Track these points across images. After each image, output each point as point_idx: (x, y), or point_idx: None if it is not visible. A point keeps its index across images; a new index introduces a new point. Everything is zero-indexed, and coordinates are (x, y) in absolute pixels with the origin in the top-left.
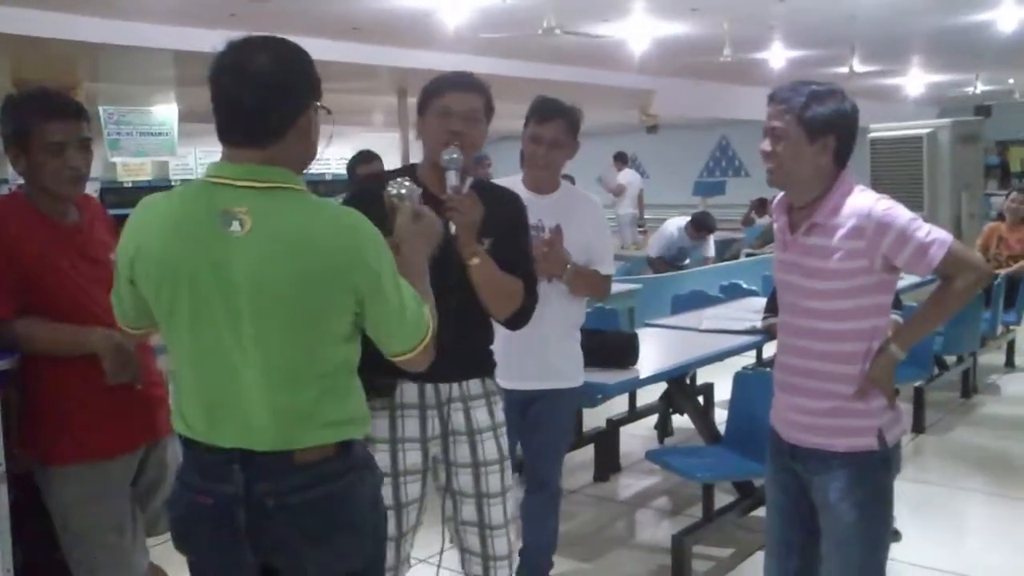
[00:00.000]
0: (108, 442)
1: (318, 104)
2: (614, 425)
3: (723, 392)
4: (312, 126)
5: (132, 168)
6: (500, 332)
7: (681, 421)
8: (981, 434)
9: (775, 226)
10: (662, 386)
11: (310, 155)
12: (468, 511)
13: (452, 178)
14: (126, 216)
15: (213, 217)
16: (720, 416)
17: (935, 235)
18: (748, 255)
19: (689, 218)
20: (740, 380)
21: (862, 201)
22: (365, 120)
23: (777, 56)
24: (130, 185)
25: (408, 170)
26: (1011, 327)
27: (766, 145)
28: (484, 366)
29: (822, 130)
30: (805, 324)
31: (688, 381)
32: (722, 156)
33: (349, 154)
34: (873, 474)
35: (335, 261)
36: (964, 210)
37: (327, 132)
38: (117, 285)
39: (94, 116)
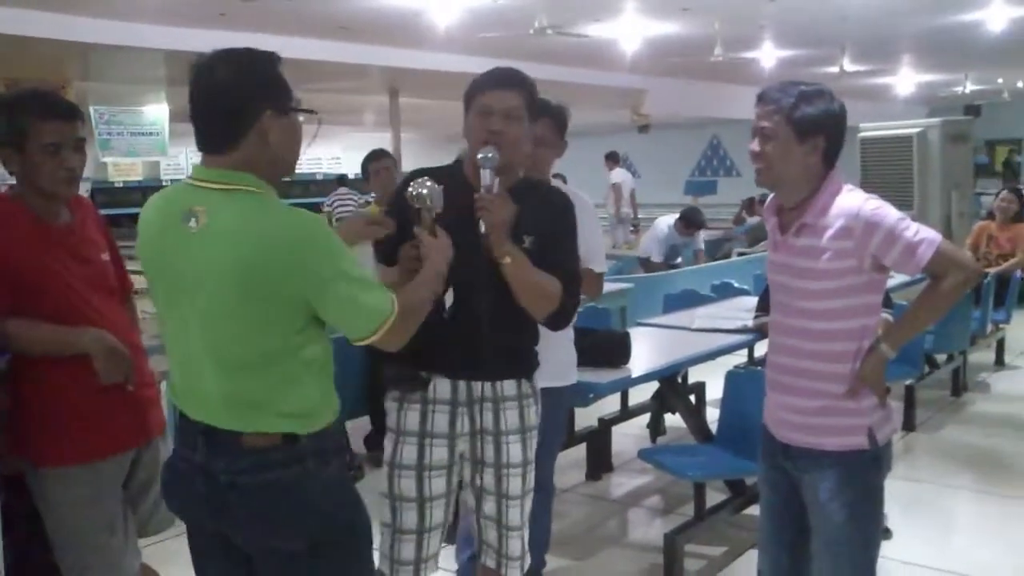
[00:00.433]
0: (100, 443)
1: (293, 107)
2: (606, 424)
3: (715, 391)
4: (271, 132)
5: (123, 168)
6: None
7: (673, 420)
8: (971, 432)
9: (767, 227)
10: (654, 385)
11: (278, 159)
12: (489, 507)
13: (486, 177)
14: (117, 216)
15: (180, 214)
16: (712, 415)
17: (923, 234)
18: (740, 254)
19: (677, 215)
20: (732, 379)
21: (851, 201)
22: (356, 120)
23: (768, 56)
24: (121, 185)
25: (454, 167)
26: (1001, 325)
27: (755, 145)
28: (521, 368)
29: (811, 130)
30: (796, 323)
31: (680, 380)
32: (713, 155)
33: (340, 153)
34: (864, 473)
35: (274, 258)
36: (954, 209)
37: (311, 132)
38: None
39: (84, 116)
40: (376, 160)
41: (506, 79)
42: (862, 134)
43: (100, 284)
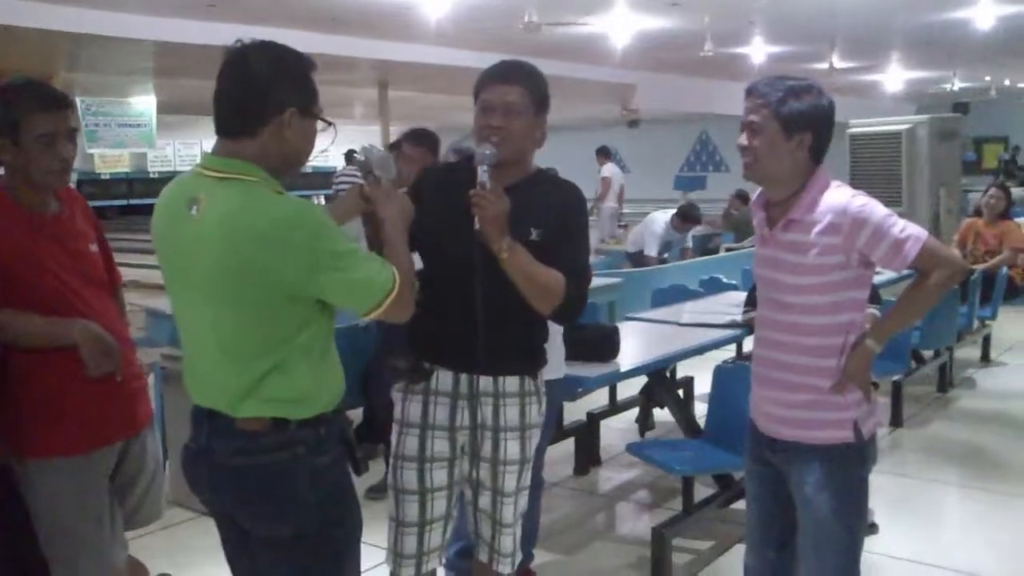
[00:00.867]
0: (87, 435)
1: (316, 113)
2: (595, 418)
3: (703, 386)
4: (289, 130)
5: (110, 160)
6: None
7: (661, 414)
8: (957, 428)
9: (754, 221)
10: (643, 379)
11: (289, 156)
12: (484, 501)
13: (481, 173)
14: (103, 207)
15: (187, 202)
16: (700, 410)
17: (910, 231)
18: (728, 250)
19: (674, 211)
20: (720, 373)
21: (838, 197)
22: (345, 113)
23: (758, 51)
24: (108, 176)
25: (464, 162)
26: (987, 322)
27: (743, 139)
28: (525, 364)
29: (799, 126)
30: (782, 318)
31: (668, 375)
32: (702, 151)
33: (328, 146)
34: (849, 466)
35: (262, 244)
36: (942, 206)
37: (328, 136)
38: None
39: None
40: (416, 146)
41: (506, 74)
42: (851, 130)
43: (89, 275)
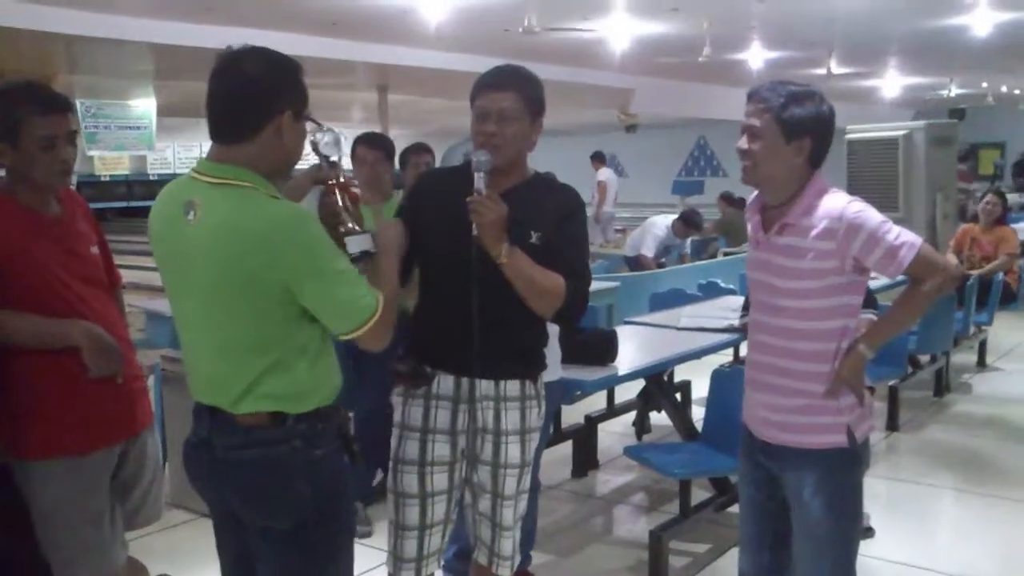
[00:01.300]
0: (87, 436)
1: (307, 115)
2: (592, 422)
3: (700, 389)
4: (286, 132)
5: (109, 162)
6: None
7: (659, 418)
8: (953, 432)
9: (749, 225)
10: (640, 383)
11: (284, 158)
12: (484, 504)
13: (478, 179)
14: (103, 209)
15: (182, 206)
16: (697, 413)
17: (904, 238)
18: (726, 254)
19: (675, 216)
20: (717, 377)
21: (834, 203)
22: (344, 116)
23: (756, 57)
24: (107, 179)
25: (463, 168)
26: (983, 327)
27: (742, 143)
28: (525, 368)
29: (799, 131)
30: (775, 322)
31: (666, 378)
32: (700, 156)
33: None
34: (843, 470)
35: (254, 251)
36: (939, 211)
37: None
38: None
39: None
40: (417, 154)
41: (499, 80)
42: (849, 136)
43: (89, 277)
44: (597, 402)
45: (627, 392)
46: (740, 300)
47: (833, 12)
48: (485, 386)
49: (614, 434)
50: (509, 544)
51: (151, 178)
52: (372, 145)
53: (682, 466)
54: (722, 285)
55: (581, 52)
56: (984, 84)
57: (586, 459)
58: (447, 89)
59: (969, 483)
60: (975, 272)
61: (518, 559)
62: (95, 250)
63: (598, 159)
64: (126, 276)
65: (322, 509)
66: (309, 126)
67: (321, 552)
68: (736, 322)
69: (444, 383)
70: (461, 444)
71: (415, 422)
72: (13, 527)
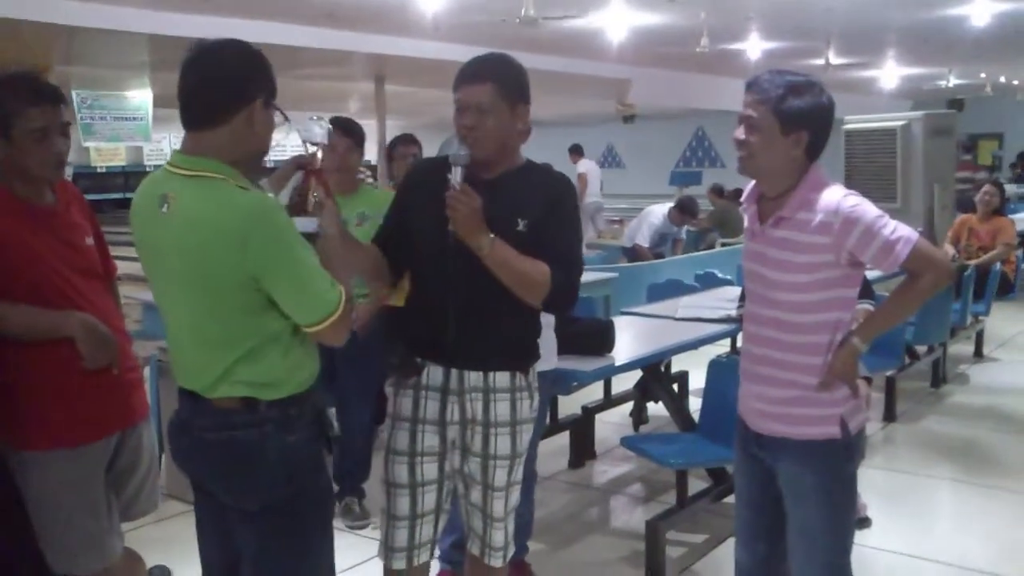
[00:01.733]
0: (83, 427)
1: (275, 105)
2: (589, 412)
3: (698, 380)
4: (257, 120)
5: (106, 153)
6: None
7: (656, 409)
8: (950, 423)
9: (745, 215)
10: (637, 374)
11: (256, 146)
12: (475, 495)
13: (455, 174)
14: (99, 201)
15: (158, 199)
16: (695, 404)
17: (900, 232)
18: (723, 245)
19: (671, 204)
20: (714, 368)
21: (829, 196)
22: (341, 107)
23: (754, 47)
24: (103, 170)
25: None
26: (980, 318)
27: (740, 133)
28: (516, 360)
29: (797, 123)
30: (770, 314)
31: (663, 369)
32: (698, 146)
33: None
34: (836, 462)
35: (222, 241)
36: (937, 202)
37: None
38: None
39: (68, 100)
40: (404, 145)
41: (475, 72)
42: (846, 126)
43: (84, 268)
44: (594, 392)
45: (624, 383)
46: (737, 291)
47: (831, 2)
48: (474, 377)
49: (611, 424)
50: (500, 535)
51: (147, 169)
52: (344, 132)
53: (679, 456)
54: (719, 276)
55: (578, 42)
56: (983, 75)
57: (583, 449)
58: (444, 80)
59: (966, 473)
60: (972, 262)
61: (511, 549)
62: (90, 241)
63: (576, 152)
64: (122, 267)
65: (296, 492)
66: (277, 117)
67: (296, 534)
68: (733, 312)
69: (434, 374)
70: (452, 435)
71: (405, 412)
72: (9, 518)
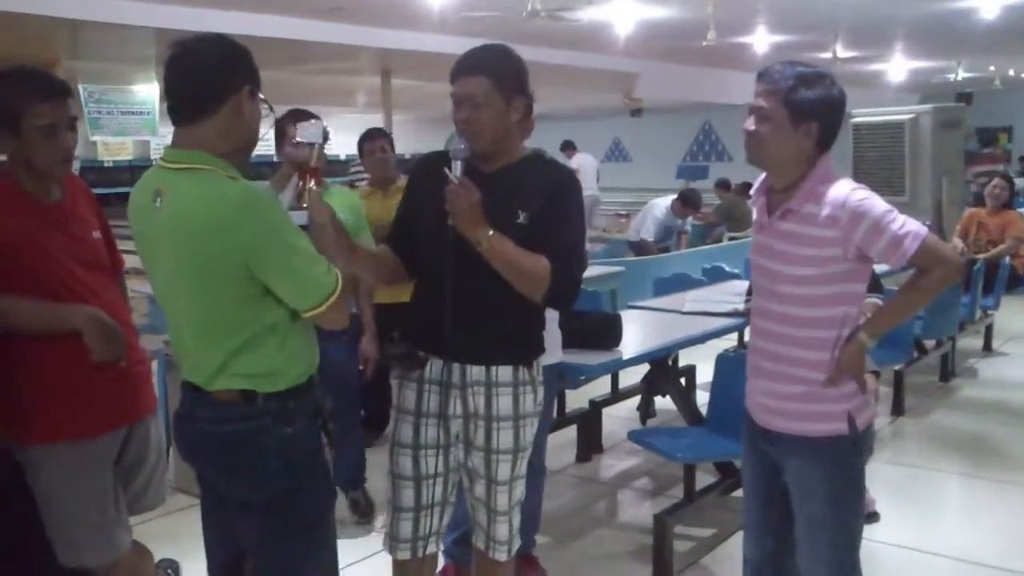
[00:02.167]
0: (91, 420)
1: (261, 97)
2: (597, 406)
3: (705, 374)
4: (245, 109)
5: (112, 147)
6: None
7: (663, 403)
8: (959, 417)
9: (755, 207)
10: (645, 368)
11: (245, 136)
12: (479, 490)
13: (455, 167)
14: (106, 195)
15: (150, 194)
16: (702, 398)
17: (909, 227)
18: (731, 239)
19: (674, 196)
20: (722, 362)
21: (837, 190)
22: (348, 101)
23: (761, 41)
24: (111, 164)
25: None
26: (989, 312)
27: (749, 124)
28: (518, 354)
29: (807, 115)
30: (776, 308)
31: (670, 363)
32: (705, 140)
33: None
34: (844, 458)
35: (214, 232)
36: (945, 196)
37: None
38: None
39: (75, 94)
40: (371, 140)
41: (469, 65)
42: (854, 120)
43: (91, 262)
44: (601, 387)
45: (631, 377)
46: (745, 284)
47: None
48: (476, 372)
49: (618, 418)
50: (504, 529)
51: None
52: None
53: (687, 450)
54: (727, 269)
55: (586, 36)
56: (991, 68)
57: (590, 443)
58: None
59: (975, 468)
60: (981, 256)
61: (516, 543)
62: (97, 235)
63: (569, 147)
64: (129, 261)
65: (296, 485)
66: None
67: (297, 526)
68: (741, 306)
69: (435, 367)
70: (455, 428)
71: (409, 405)
72: (17, 511)
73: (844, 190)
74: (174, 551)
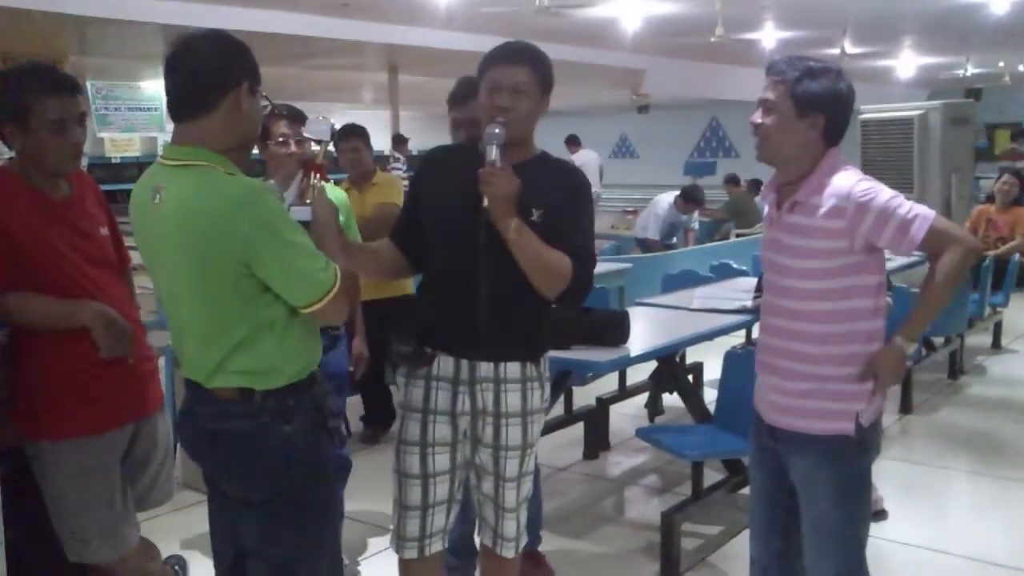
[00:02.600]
0: (99, 417)
1: (261, 92)
2: (604, 403)
3: (713, 371)
4: (244, 105)
5: (120, 144)
6: None
7: (671, 400)
8: (967, 415)
9: (765, 203)
10: (652, 364)
11: (245, 132)
12: (487, 486)
13: (491, 152)
14: (113, 191)
15: (150, 190)
16: (710, 395)
17: (917, 211)
18: (738, 235)
19: (677, 192)
20: (730, 359)
21: (843, 181)
22: (354, 97)
23: (769, 37)
24: (118, 160)
25: (468, 145)
26: (998, 309)
27: (756, 117)
28: (527, 350)
29: (812, 107)
30: (783, 304)
31: (678, 360)
32: (712, 136)
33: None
34: (850, 456)
35: (211, 227)
36: (954, 192)
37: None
38: None
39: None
40: (345, 138)
41: (514, 54)
42: (863, 116)
43: (99, 258)
44: (609, 384)
45: (639, 374)
46: (753, 281)
47: None
48: (485, 368)
49: (626, 416)
50: (512, 526)
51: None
52: (292, 121)
53: (695, 448)
54: (734, 266)
55: (593, 32)
56: (1001, 63)
57: (598, 441)
58: (458, 69)
59: (983, 465)
60: (991, 253)
61: (523, 540)
62: (105, 232)
63: (573, 142)
64: (136, 258)
65: (297, 483)
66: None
67: (299, 524)
68: (749, 303)
69: (444, 364)
70: (463, 425)
71: (416, 403)
72: (25, 508)
73: (849, 181)
74: (181, 547)
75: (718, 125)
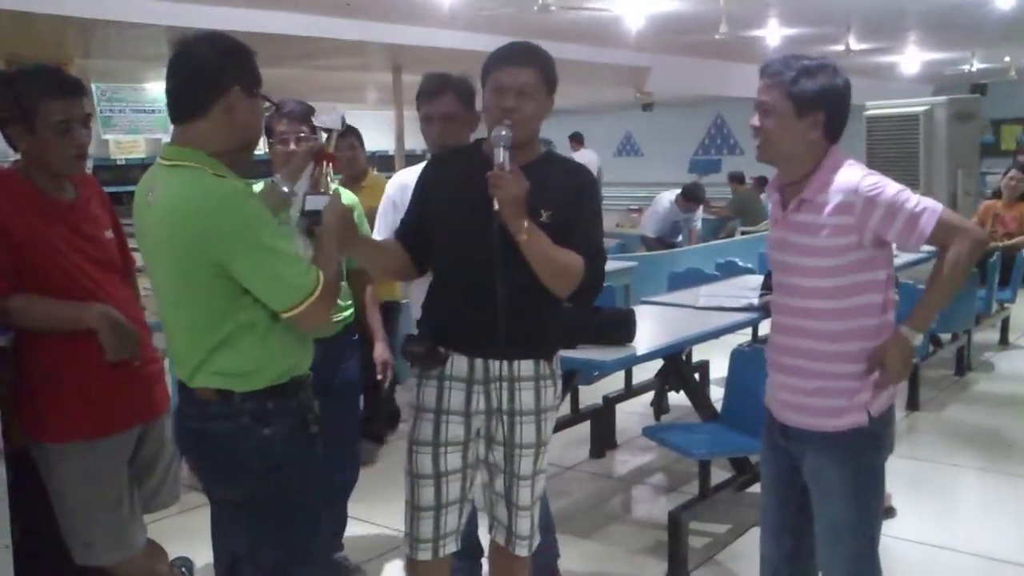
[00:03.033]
0: (105, 419)
1: (262, 94)
2: (610, 402)
3: (719, 369)
4: (236, 109)
5: (125, 145)
6: None
7: (677, 398)
8: (975, 411)
9: (769, 203)
10: (658, 363)
11: (239, 135)
12: (499, 484)
13: (499, 154)
14: (119, 193)
15: (147, 190)
16: (716, 393)
17: (924, 204)
18: (743, 233)
19: (679, 190)
20: (737, 357)
21: (849, 176)
22: (358, 97)
23: (773, 34)
24: (123, 162)
25: (474, 146)
26: (1006, 305)
27: (755, 120)
28: (540, 348)
29: (811, 105)
30: (793, 303)
31: (684, 358)
32: (717, 134)
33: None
34: (862, 453)
35: (191, 228)
36: (960, 188)
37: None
38: None
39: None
40: (342, 137)
41: (519, 55)
42: (868, 112)
43: (103, 261)
44: (615, 382)
45: (645, 372)
46: (759, 279)
47: None
48: (499, 366)
49: (632, 414)
50: (526, 523)
51: None
52: (294, 119)
53: (701, 446)
54: (740, 264)
55: (597, 30)
56: (1007, 58)
57: (604, 439)
58: (461, 69)
59: (991, 462)
60: (1000, 244)
61: (536, 539)
62: (110, 234)
63: (576, 140)
64: (140, 260)
65: (279, 486)
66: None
67: (284, 528)
68: (755, 301)
69: (458, 364)
70: (476, 424)
71: (429, 403)
72: (32, 511)
73: (856, 176)
74: (188, 549)
75: (723, 122)
